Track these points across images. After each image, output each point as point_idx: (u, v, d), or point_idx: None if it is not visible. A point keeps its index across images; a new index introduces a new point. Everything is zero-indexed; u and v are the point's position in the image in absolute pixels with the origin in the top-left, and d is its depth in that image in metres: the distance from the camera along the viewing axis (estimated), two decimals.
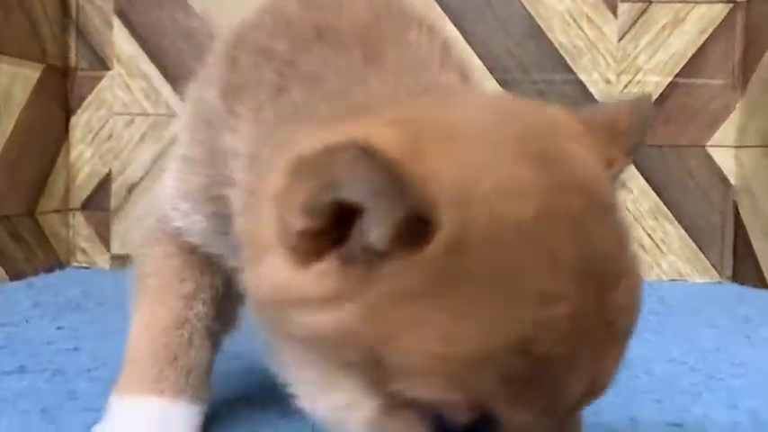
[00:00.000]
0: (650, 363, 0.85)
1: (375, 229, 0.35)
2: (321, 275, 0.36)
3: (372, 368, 0.36)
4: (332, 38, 0.50)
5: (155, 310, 0.58)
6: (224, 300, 0.60)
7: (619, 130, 0.43)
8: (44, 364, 0.79)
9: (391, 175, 0.33)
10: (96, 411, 0.63)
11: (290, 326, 0.38)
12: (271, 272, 0.39)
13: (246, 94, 0.51)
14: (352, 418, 0.38)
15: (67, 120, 1.51)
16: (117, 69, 1.52)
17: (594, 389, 0.37)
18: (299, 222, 0.36)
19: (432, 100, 0.45)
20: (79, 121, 1.52)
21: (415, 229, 0.34)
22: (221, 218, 0.53)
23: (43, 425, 0.61)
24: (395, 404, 0.36)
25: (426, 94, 0.47)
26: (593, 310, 0.35)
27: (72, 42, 1.51)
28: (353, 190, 0.34)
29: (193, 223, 0.57)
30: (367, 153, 0.32)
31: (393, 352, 0.35)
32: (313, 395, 0.40)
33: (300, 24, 0.52)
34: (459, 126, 0.39)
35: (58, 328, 0.97)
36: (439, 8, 1.51)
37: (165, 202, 0.59)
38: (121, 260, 1.52)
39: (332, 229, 0.36)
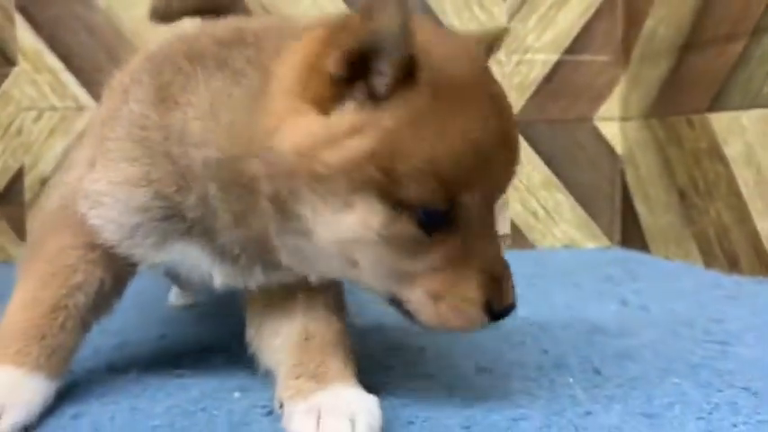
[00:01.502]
0: None
1: (381, 74, 0.52)
2: (343, 115, 0.53)
3: (385, 182, 0.52)
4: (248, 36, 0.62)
5: (37, 291, 0.64)
6: (107, 293, 0.66)
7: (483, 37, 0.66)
8: None
9: (407, 26, 0.50)
10: None
11: (319, 166, 0.53)
12: (299, 130, 0.54)
13: (183, 84, 0.60)
14: (372, 231, 0.54)
15: None
16: (22, 65, 1.55)
17: (512, 176, 0.59)
18: (334, 68, 0.53)
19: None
20: None
21: (406, 77, 0.52)
22: (163, 200, 0.61)
23: None
24: (396, 208, 0.53)
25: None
26: (507, 132, 0.56)
27: None
28: (378, 42, 0.51)
29: (121, 218, 0.62)
30: (386, 17, 0.50)
31: (402, 163, 0.52)
32: (335, 220, 0.54)
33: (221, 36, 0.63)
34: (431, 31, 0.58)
35: None
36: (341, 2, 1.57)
37: (80, 201, 0.64)
38: None
39: (349, 80, 0.53)
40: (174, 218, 0.62)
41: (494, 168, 0.56)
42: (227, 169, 0.58)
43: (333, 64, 0.53)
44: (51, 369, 0.63)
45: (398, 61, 0.52)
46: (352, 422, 0.55)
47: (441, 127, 0.53)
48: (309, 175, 0.54)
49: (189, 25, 0.78)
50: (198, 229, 0.62)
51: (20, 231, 1.57)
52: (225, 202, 0.60)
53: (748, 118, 1.23)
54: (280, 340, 0.66)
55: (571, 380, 0.69)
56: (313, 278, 0.63)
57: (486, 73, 0.59)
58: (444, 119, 0.53)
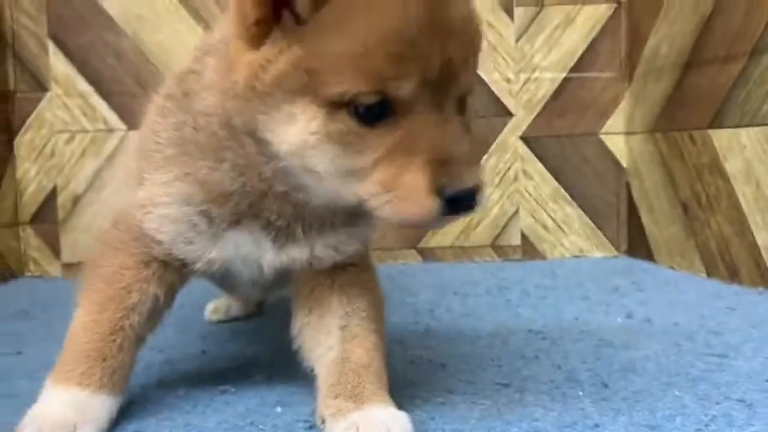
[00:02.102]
0: (511, 334, 1.01)
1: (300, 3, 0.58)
2: (274, 42, 0.59)
3: (313, 83, 0.57)
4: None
5: (96, 314, 0.71)
6: (160, 308, 0.73)
7: None
8: None
9: None
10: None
11: (260, 86, 0.59)
12: (242, 66, 0.61)
13: (197, 74, 0.70)
14: (314, 132, 0.58)
15: (11, 141, 1.62)
16: (55, 90, 1.63)
17: (452, 66, 0.57)
18: (252, 15, 0.59)
19: None
20: (23, 141, 1.63)
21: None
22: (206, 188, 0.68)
23: None
24: (332, 108, 0.57)
25: None
26: (435, 18, 0.56)
27: (10, 67, 1.62)
28: None
29: (175, 215, 0.69)
30: None
31: (322, 62, 0.57)
32: (284, 132, 0.60)
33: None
34: None
35: (5, 334, 1.10)
36: None
37: (135, 214, 0.71)
38: (72, 268, 1.65)
39: (270, 17, 0.59)
40: (223, 206, 0.68)
41: (423, 55, 0.56)
42: (226, 122, 0.66)
43: (250, 9, 0.59)
44: (114, 388, 0.70)
45: None
46: None
47: (356, 25, 0.56)
48: (257, 99, 0.60)
49: None
50: (245, 211, 0.68)
51: (54, 248, 1.65)
52: (238, 156, 0.66)
53: (747, 135, 1.29)
54: (319, 352, 0.72)
55: (581, 393, 0.76)
56: (316, 202, 0.67)
57: None
58: (359, 17, 0.56)
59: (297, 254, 0.71)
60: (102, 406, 0.69)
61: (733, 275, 1.33)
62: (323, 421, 0.67)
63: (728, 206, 1.34)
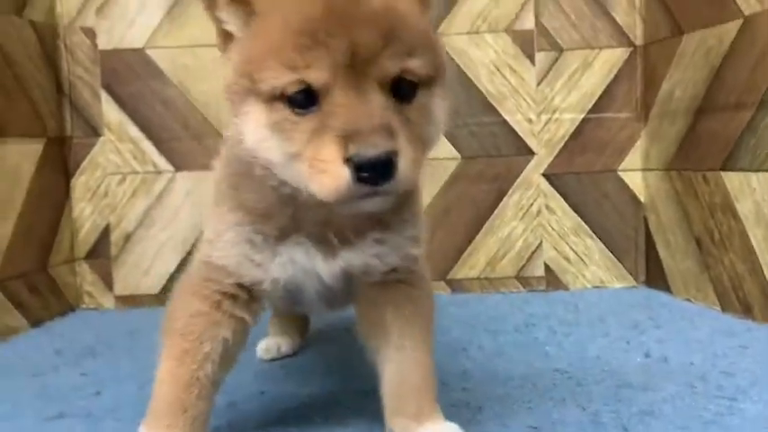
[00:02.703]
0: (540, 375, 1.11)
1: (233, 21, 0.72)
2: (226, 56, 0.73)
3: (253, 84, 0.67)
4: None
5: (174, 369, 0.80)
6: (231, 351, 0.83)
7: None
8: (76, 409, 1.04)
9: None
10: None
11: (227, 93, 0.71)
12: (225, 69, 0.72)
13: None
14: (260, 124, 0.68)
15: (68, 182, 1.75)
16: (107, 135, 1.76)
17: (363, 53, 0.65)
18: (216, 30, 0.74)
19: None
20: (78, 183, 1.76)
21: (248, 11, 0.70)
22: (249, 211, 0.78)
23: None
24: (271, 102, 0.67)
25: None
26: (338, 12, 0.65)
27: (67, 115, 1.75)
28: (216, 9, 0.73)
29: (237, 242, 0.79)
30: None
31: (252, 63, 0.68)
32: (246, 131, 0.70)
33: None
34: None
35: (82, 374, 1.21)
36: None
37: (203, 250, 0.81)
38: (124, 300, 1.77)
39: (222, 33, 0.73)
40: (269, 223, 0.78)
41: (328, 44, 0.63)
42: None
43: (214, 24, 0.74)
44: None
45: (236, 12, 0.71)
46: None
47: (273, 26, 0.66)
48: (232, 108, 0.72)
49: None
50: (289, 225, 0.77)
51: (107, 282, 1.78)
52: (262, 176, 0.75)
53: (757, 179, 1.38)
54: (381, 369, 0.84)
55: None
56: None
57: None
58: (275, 20, 0.67)
59: (342, 261, 0.79)
60: None
61: (746, 311, 1.42)
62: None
63: (741, 245, 1.43)
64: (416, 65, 0.66)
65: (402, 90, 0.67)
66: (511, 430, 0.90)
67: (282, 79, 0.65)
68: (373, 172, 0.63)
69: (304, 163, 0.66)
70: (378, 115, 0.63)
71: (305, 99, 0.66)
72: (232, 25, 0.72)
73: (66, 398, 1.09)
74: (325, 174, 0.64)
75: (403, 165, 0.64)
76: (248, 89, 0.68)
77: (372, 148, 0.62)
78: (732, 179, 1.45)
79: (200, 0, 0.72)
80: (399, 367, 0.82)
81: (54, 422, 0.99)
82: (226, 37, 0.73)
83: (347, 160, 0.62)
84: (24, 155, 1.58)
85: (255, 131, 0.69)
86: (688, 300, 1.60)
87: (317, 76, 0.64)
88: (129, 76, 1.75)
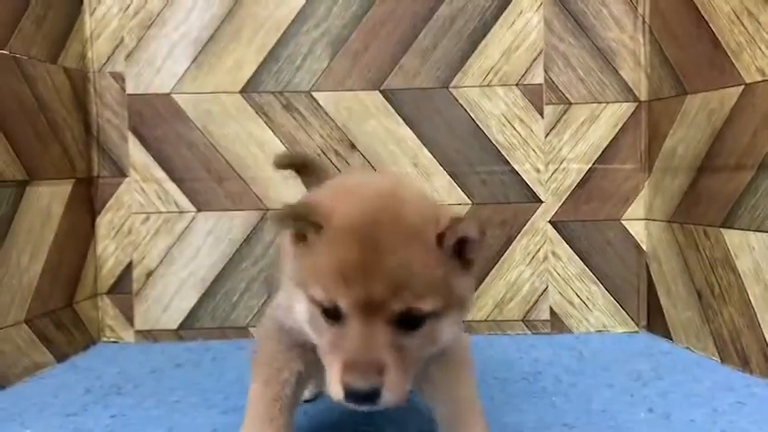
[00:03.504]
0: (548, 428, 1.17)
1: (308, 233, 0.85)
2: (295, 248, 0.88)
3: (304, 287, 0.86)
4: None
5: (263, 389, 0.99)
6: (303, 380, 1.01)
7: (454, 220, 0.85)
8: None
9: (304, 219, 0.85)
10: None
11: (293, 269, 0.90)
12: (290, 247, 0.90)
13: None
14: (303, 315, 0.88)
15: (93, 220, 1.82)
16: (133, 176, 1.83)
17: (378, 297, 0.80)
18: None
19: (367, 180, 0.99)
20: (103, 221, 1.83)
21: (317, 230, 0.85)
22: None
23: None
24: (311, 301, 0.85)
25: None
26: (372, 262, 0.80)
27: (95, 156, 1.82)
28: (295, 225, 0.87)
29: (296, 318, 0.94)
30: (301, 208, 0.86)
31: (307, 277, 0.85)
32: (295, 304, 0.89)
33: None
34: (350, 192, 0.89)
35: (111, 416, 1.27)
36: (397, 116, 1.83)
37: (280, 315, 0.98)
38: (143, 334, 1.84)
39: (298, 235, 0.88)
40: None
41: (354, 287, 0.80)
42: None
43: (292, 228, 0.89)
44: None
45: (308, 226, 0.85)
46: None
47: (323, 257, 0.82)
48: (289, 272, 0.91)
49: None
50: None
51: (128, 317, 1.84)
52: None
53: (756, 239, 1.45)
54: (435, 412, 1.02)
55: None
56: None
57: (372, 224, 0.82)
58: (326, 253, 0.82)
59: None
60: None
61: (744, 364, 1.48)
62: None
63: (739, 300, 1.50)
64: (423, 304, 0.82)
65: (408, 321, 0.82)
66: None
67: (321, 296, 0.83)
68: (359, 399, 0.80)
69: (325, 357, 0.85)
70: (375, 351, 0.80)
71: (334, 314, 0.83)
72: (309, 233, 0.86)
73: None
74: (331, 381, 0.81)
75: (387, 395, 0.79)
76: (299, 285, 0.87)
77: (360, 382, 0.79)
78: (732, 236, 1.53)
79: (286, 217, 0.85)
80: (453, 405, 1.00)
81: None
82: (299, 236, 0.88)
83: (341, 383, 0.80)
84: (55, 196, 1.65)
85: (299, 313, 0.89)
86: (688, 348, 1.67)
87: (343, 304, 0.81)
88: (156, 119, 1.83)
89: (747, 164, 1.48)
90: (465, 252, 0.86)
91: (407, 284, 0.80)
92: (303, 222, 0.85)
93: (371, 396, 0.79)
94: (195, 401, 1.36)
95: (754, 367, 1.46)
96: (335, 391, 0.80)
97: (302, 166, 1.34)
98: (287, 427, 1.00)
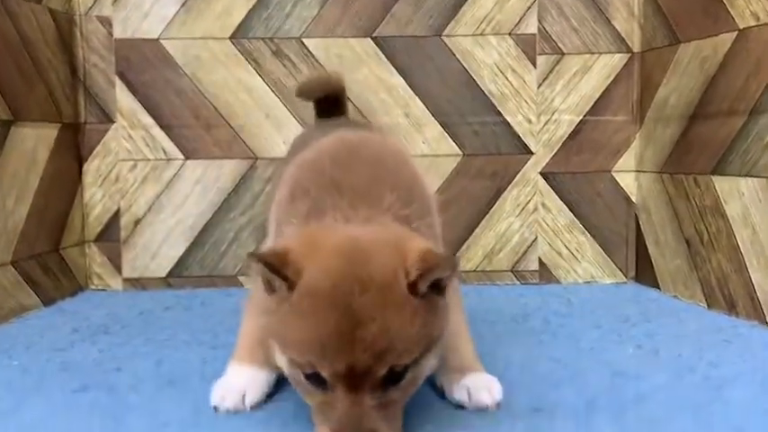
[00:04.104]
0: (536, 362, 1.18)
1: (276, 285, 0.80)
2: (270, 299, 0.82)
3: (282, 344, 0.81)
4: (343, 188, 0.91)
5: (253, 322, 0.98)
6: None
7: (424, 262, 0.80)
8: (99, 383, 1.09)
9: (272, 268, 0.79)
10: (148, 417, 0.94)
11: (265, 295, 0.84)
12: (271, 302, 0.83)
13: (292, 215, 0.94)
14: (284, 369, 0.83)
15: (80, 167, 1.80)
16: (120, 122, 1.81)
17: (359, 367, 0.76)
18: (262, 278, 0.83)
19: (334, 226, 0.87)
20: (90, 168, 1.81)
21: (291, 287, 0.78)
22: None
23: (113, 426, 0.91)
24: (291, 363, 0.80)
25: (345, 225, 0.88)
26: (349, 333, 0.75)
27: (81, 101, 1.79)
28: (262, 273, 0.80)
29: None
30: (268, 257, 0.80)
31: (281, 339, 0.81)
32: (279, 360, 0.85)
33: (328, 178, 0.93)
34: (322, 243, 0.81)
35: (99, 351, 1.27)
36: (389, 64, 1.81)
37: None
38: (131, 282, 1.82)
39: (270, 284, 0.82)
40: None
41: (335, 359, 0.76)
42: None
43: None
44: (269, 364, 0.96)
45: (279, 283, 0.80)
46: (490, 391, 0.96)
47: (299, 322, 0.78)
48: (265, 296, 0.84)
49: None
50: None
51: (116, 264, 1.82)
52: None
53: (746, 184, 1.46)
54: None
55: (601, 419, 0.93)
56: None
57: (348, 286, 0.76)
58: (301, 317, 0.77)
59: None
60: (263, 378, 0.99)
61: (731, 308, 1.49)
62: (441, 386, 1.00)
63: (728, 246, 1.51)
64: (405, 360, 0.79)
65: (392, 378, 0.79)
66: (514, 411, 0.96)
67: (301, 361, 0.79)
68: None
69: (313, 416, 0.82)
70: (365, 421, 0.77)
71: (316, 379, 0.79)
72: (276, 284, 0.81)
73: (88, 372, 1.14)
74: None
75: None
76: (279, 342, 0.82)
77: None
78: (722, 183, 1.53)
79: (257, 267, 0.80)
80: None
81: (80, 395, 1.04)
82: (270, 286, 0.83)
83: None
84: (40, 139, 1.62)
85: (281, 365, 0.85)
86: (676, 296, 1.68)
87: (324, 374, 0.78)
88: (143, 64, 1.80)
89: (740, 109, 1.48)
90: (438, 284, 0.82)
91: (389, 348, 0.76)
92: (274, 275, 0.79)
93: None
94: (185, 339, 1.35)
95: (740, 310, 1.47)
96: None
97: (326, 100, 1.28)
98: None
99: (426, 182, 1.04)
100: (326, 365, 0.77)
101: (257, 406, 0.98)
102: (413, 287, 0.79)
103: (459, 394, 0.98)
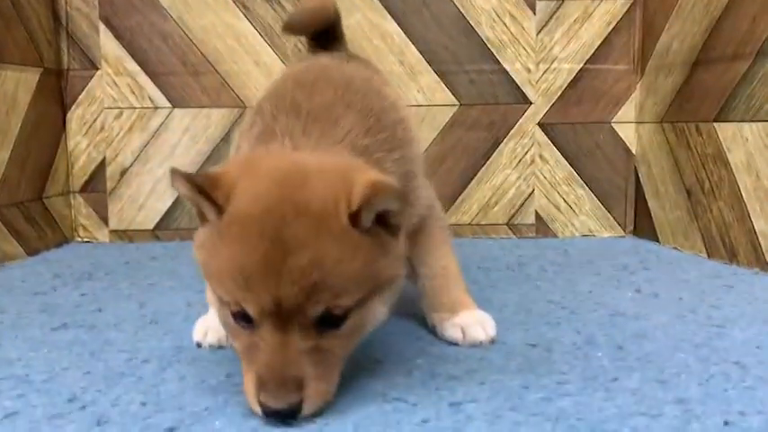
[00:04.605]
0: (533, 303, 1.14)
1: (206, 211, 0.72)
2: (200, 231, 0.76)
3: (210, 282, 0.74)
4: (300, 111, 0.83)
5: None
6: None
7: (368, 195, 0.70)
8: (79, 322, 1.05)
9: (205, 192, 0.70)
10: (127, 352, 0.91)
11: (197, 244, 0.76)
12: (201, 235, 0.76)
13: (246, 137, 0.89)
14: (215, 309, 0.77)
15: (64, 115, 1.74)
16: (105, 69, 1.75)
17: (288, 302, 0.68)
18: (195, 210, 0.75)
19: (281, 152, 0.79)
20: (74, 116, 1.75)
21: (220, 212, 0.71)
22: None
23: (93, 362, 0.88)
24: (219, 301, 0.73)
25: (298, 150, 0.80)
26: (278, 264, 0.67)
27: (64, 46, 1.73)
28: (192, 198, 0.72)
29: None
30: (202, 179, 0.70)
31: (209, 273, 0.73)
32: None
33: (286, 99, 0.86)
34: (258, 170, 0.73)
35: (81, 294, 1.23)
36: (383, 8, 1.75)
37: None
38: (118, 234, 1.78)
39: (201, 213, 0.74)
40: None
41: (260, 292, 0.67)
42: None
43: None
44: None
45: (209, 209, 0.71)
46: (484, 327, 0.94)
47: (224, 251, 0.69)
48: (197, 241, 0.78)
49: None
50: None
51: (102, 216, 1.78)
52: None
53: (750, 130, 1.41)
54: (419, 276, 0.99)
55: (599, 354, 0.89)
56: None
57: (279, 212, 0.68)
58: (227, 246, 0.69)
59: None
60: None
61: (732, 257, 1.46)
62: (434, 326, 0.97)
63: (730, 194, 1.47)
64: (344, 302, 0.69)
65: (328, 321, 0.70)
66: (509, 347, 0.93)
67: (227, 298, 0.71)
68: (277, 418, 0.69)
69: (242, 362, 0.73)
70: (291, 365, 0.69)
71: (243, 317, 0.71)
72: (205, 210, 0.73)
73: (68, 313, 1.11)
74: (248, 396, 0.71)
75: (308, 407, 0.69)
76: (210, 280, 0.74)
77: (277, 402, 0.68)
78: (725, 130, 1.48)
79: (182, 187, 0.71)
80: (431, 272, 0.98)
81: (59, 332, 1.01)
82: (201, 215, 0.75)
83: (258, 401, 0.69)
84: (21, 83, 1.56)
85: (215, 307, 0.78)
86: (675, 248, 1.64)
87: (249, 311, 0.69)
88: (128, 8, 1.73)
89: (745, 52, 1.43)
90: (387, 221, 0.73)
91: (323, 284, 0.67)
92: (201, 198, 0.70)
93: (290, 414, 0.68)
94: (171, 285, 1.31)
95: (741, 259, 1.43)
96: (253, 408, 0.70)
97: (319, 34, 1.18)
98: None
99: (409, 117, 0.95)
100: (251, 299, 0.68)
101: None
102: (354, 218, 0.69)
103: (452, 331, 0.95)
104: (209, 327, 0.94)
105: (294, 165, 0.73)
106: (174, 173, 0.70)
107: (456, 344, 0.94)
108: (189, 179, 0.70)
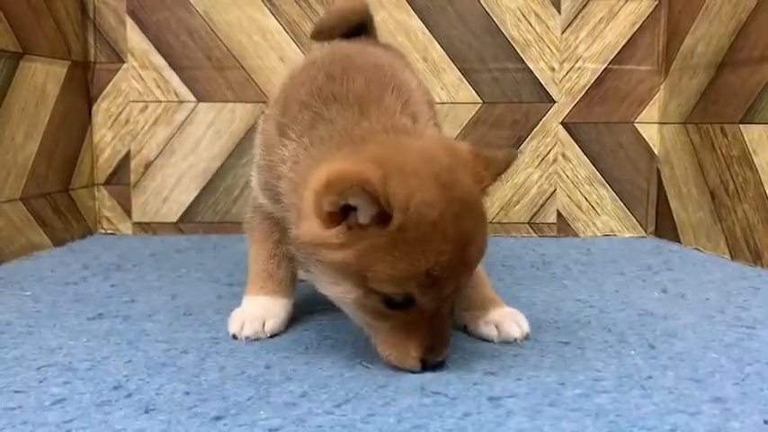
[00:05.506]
0: (561, 301, 1.15)
1: (363, 215, 0.74)
2: (336, 234, 0.76)
3: (358, 278, 0.77)
4: (341, 100, 0.86)
5: (258, 248, 1.01)
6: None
7: (492, 164, 0.83)
8: (114, 312, 1.07)
9: (371, 195, 0.72)
10: (165, 342, 0.92)
11: (319, 256, 0.79)
12: (309, 229, 0.78)
13: (291, 129, 0.88)
14: (349, 299, 0.80)
15: (90, 108, 1.75)
16: (131, 62, 1.76)
17: (458, 290, 0.81)
18: (327, 207, 0.75)
19: (394, 141, 0.80)
20: (100, 109, 1.76)
21: (382, 217, 0.73)
22: (274, 196, 0.92)
23: (133, 351, 0.89)
24: (368, 292, 0.77)
25: (390, 132, 0.83)
26: (460, 257, 0.77)
27: (91, 40, 1.74)
28: (353, 200, 0.73)
29: (264, 200, 0.97)
30: (362, 182, 0.71)
31: (369, 273, 0.75)
32: (329, 289, 0.81)
33: (324, 90, 0.88)
34: (405, 166, 0.75)
35: (111, 285, 1.24)
36: (407, 5, 1.75)
37: (255, 191, 1.01)
38: (141, 227, 1.79)
39: (342, 213, 0.75)
40: None
41: (442, 285, 0.77)
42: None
43: (327, 205, 0.75)
44: (284, 293, 1.00)
45: (372, 212, 0.73)
46: (518, 324, 0.95)
47: (400, 255, 0.74)
48: (314, 258, 0.80)
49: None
50: None
51: (126, 208, 1.79)
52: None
53: None
54: None
55: (632, 352, 0.90)
56: None
57: (458, 211, 0.75)
58: (403, 251, 0.74)
59: None
60: (280, 305, 0.99)
61: (756, 259, 1.46)
62: (464, 325, 0.98)
63: (755, 195, 1.47)
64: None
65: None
66: (542, 344, 0.93)
67: (392, 290, 0.77)
68: (436, 368, 0.83)
69: (382, 336, 0.82)
70: (447, 329, 0.83)
71: (402, 302, 0.78)
72: (362, 215, 0.74)
73: (102, 303, 1.12)
74: (402, 359, 0.81)
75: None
76: (353, 273, 0.76)
77: (440, 357, 0.82)
78: (751, 131, 1.48)
79: (330, 187, 0.73)
80: None
81: (96, 322, 1.02)
82: (334, 217, 0.76)
83: (421, 360, 0.81)
84: (50, 75, 1.58)
85: (338, 298, 0.82)
86: (698, 249, 1.64)
87: (421, 300, 0.78)
88: (155, 3, 1.75)
89: None
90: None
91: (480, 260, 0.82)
92: (372, 204, 0.72)
93: (443, 362, 0.83)
94: (198, 277, 1.32)
95: (766, 261, 1.43)
96: (412, 364, 0.81)
97: (353, 33, 1.15)
98: (287, 281, 1.00)
99: (423, 83, 1.03)
100: (433, 294, 0.77)
101: (276, 334, 0.96)
102: (484, 192, 0.83)
103: (485, 329, 0.96)
104: (246, 319, 0.95)
105: (427, 156, 0.78)
106: (354, 186, 0.71)
107: (489, 341, 0.95)
108: (360, 184, 0.71)
